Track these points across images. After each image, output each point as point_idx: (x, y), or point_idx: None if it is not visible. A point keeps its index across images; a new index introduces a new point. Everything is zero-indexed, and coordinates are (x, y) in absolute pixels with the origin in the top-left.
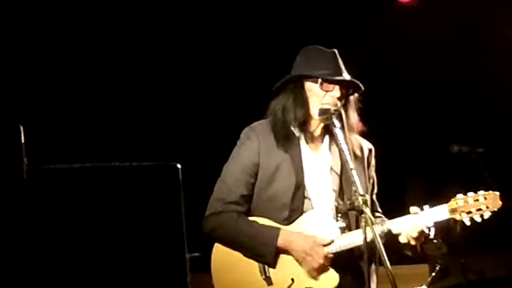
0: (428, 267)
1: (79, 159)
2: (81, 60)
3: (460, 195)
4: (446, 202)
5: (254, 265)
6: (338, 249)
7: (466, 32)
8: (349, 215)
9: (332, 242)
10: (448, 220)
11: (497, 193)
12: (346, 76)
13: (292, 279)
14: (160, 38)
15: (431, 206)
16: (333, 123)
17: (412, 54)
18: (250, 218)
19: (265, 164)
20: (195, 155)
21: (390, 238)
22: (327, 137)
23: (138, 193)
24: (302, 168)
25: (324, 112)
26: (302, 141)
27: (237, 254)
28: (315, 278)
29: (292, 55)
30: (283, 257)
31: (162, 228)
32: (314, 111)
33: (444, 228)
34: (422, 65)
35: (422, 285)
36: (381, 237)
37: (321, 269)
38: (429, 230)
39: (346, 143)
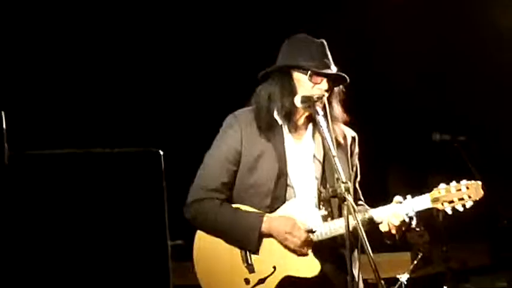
0: (410, 255)
1: (61, 145)
2: (62, 46)
3: (442, 185)
4: (429, 191)
5: (236, 252)
6: (320, 237)
7: (445, 21)
8: (332, 203)
9: (313, 230)
10: (430, 209)
11: (480, 183)
12: (333, 68)
13: (274, 267)
14: (142, 23)
15: (414, 195)
16: (316, 111)
17: (394, 44)
18: (233, 205)
19: (248, 152)
20: (177, 142)
21: (372, 226)
22: (310, 126)
23: (119, 180)
24: (285, 156)
25: (306, 100)
26: (285, 130)
27: (220, 242)
28: (297, 265)
29: (277, 43)
30: (266, 245)
31: (143, 216)
32: (297, 99)
33: (426, 216)
34: (404, 54)
35: (404, 272)
36: (363, 225)
37: (305, 248)
38: (411, 219)
39: (329, 131)
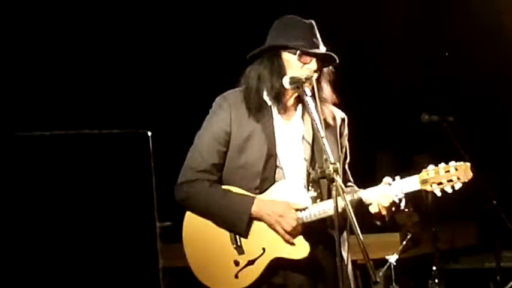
0: (399, 236)
1: (48, 126)
2: (47, 29)
3: (431, 166)
4: (417, 173)
5: (225, 234)
6: (309, 219)
7: (433, 6)
8: (321, 185)
9: (305, 208)
10: (419, 191)
11: (469, 164)
12: (322, 48)
13: (264, 249)
14: (128, 5)
15: (402, 176)
16: (304, 91)
17: (383, 27)
18: (224, 187)
19: (237, 133)
20: (165, 123)
21: (361, 207)
22: (299, 107)
23: (107, 161)
24: (274, 138)
25: (294, 81)
26: (274, 111)
27: (209, 223)
28: (287, 247)
29: (266, 24)
30: (255, 227)
31: (131, 197)
32: (285, 80)
33: (415, 197)
34: (393, 37)
35: (393, 253)
36: (352, 206)
37: (294, 233)
38: (400, 201)
39: (317, 111)
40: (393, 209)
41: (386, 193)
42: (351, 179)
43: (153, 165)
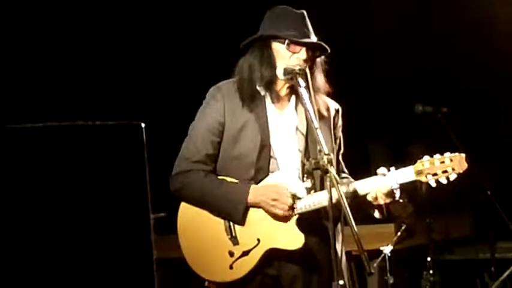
0: (393, 227)
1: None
2: (42, 19)
3: (426, 157)
4: (412, 164)
5: (220, 225)
6: (304, 210)
7: None
8: (315, 176)
9: (300, 198)
10: (414, 182)
11: (464, 155)
12: (313, 38)
13: (258, 240)
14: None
15: (397, 167)
16: (298, 82)
17: (376, 17)
18: (219, 177)
19: (231, 123)
20: (159, 114)
21: (356, 198)
22: (293, 98)
23: (101, 152)
24: (267, 128)
25: (288, 72)
26: (268, 101)
27: (204, 214)
28: (281, 238)
29: (261, 15)
30: (250, 217)
31: (125, 189)
32: (279, 71)
33: (410, 188)
34: (386, 27)
35: (387, 244)
36: (346, 197)
37: (289, 215)
38: (395, 192)
39: (311, 102)
40: (389, 200)
41: (382, 184)
42: (345, 169)
43: (147, 157)
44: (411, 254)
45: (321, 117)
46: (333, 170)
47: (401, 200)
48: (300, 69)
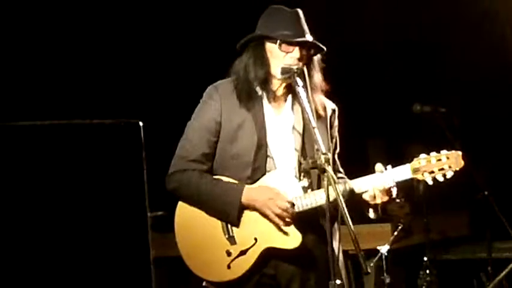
0: (390, 227)
1: (39, 116)
2: (40, 18)
3: (422, 155)
4: (409, 162)
5: (217, 224)
6: (301, 209)
7: None
8: (312, 174)
9: (297, 198)
10: (411, 180)
11: (460, 153)
12: (307, 37)
13: (256, 239)
14: None
15: (394, 166)
16: (295, 81)
17: (374, 15)
18: (215, 177)
19: (227, 122)
20: (157, 113)
21: (353, 197)
22: (289, 97)
23: (99, 151)
24: (264, 127)
25: (286, 71)
26: (265, 101)
27: (201, 213)
28: (279, 237)
29: (259, 13)
30: (247, 216)
31: (123, 187)
32: (276, 71)
33: (407, 188)
34: (383, 26)
35: (384, 244)
36: (343, 196)
37: (285, 218)
38: (392, 190)
39: (309, 102)
40: (386, 198)
41: (379, 182)
42: (341, 169)
43: (146, 155)
44: (408, 253)
45: (318, 116)
46: (330, 169)
47: (398, 200)
48: (297, 69)
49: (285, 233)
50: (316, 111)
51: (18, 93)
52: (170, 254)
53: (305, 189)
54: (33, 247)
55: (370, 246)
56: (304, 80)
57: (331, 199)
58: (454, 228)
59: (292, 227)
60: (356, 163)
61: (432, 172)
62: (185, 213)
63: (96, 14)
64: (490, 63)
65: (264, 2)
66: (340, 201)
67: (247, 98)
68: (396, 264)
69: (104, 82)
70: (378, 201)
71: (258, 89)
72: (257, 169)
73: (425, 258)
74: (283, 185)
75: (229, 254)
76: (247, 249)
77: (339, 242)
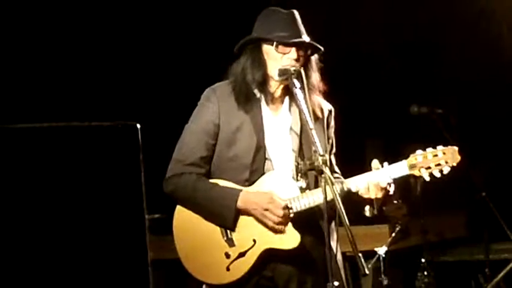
0: (388, 228)
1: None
2: (39, 20)
3: (419, 151)
4: (406, 158)
5: (216, 226)
6: (299, 209)
7: None
8: (309, 175)
9: (289, 207)
10: (408, 177)
11: (456, 148)
12: (304, 38)
13: (254, 240)
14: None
15: (391, 163)
16: (293, 83)
17: (373, 16)
18: (211, 181)
19: (226, 125)
20: (155, 115)
21: (350, 197)
22: (287, 98)
23: (96, 153)
24: (263, 129)
25: (283, 72)
26: (262, 103)
27: (199, 216)
28: (277, 238)
29: (256, 16)
30: (244, 219)
31: (120, 190)
32: (273, 72)
33: (404, 189)
34: (380, 27)
35: (382, 245)
36: (340, 197)
37: (282, 224)
38: (389, 187)
39: (306, 103)
40: (383, 195)
41: (376, 179)
42: (337, 170)
43: (144, 157)
44: (406, 255)
45: (315, 118)
46: (327, 171)
47: (395, 201)
48: (294, 70)
49: (284, 234)
50: (314, 113)
51: (16, 95)
52: (168, 256)
53: (302, 190)
54: (30, 249)
55: (368, 247)
56: (301, 81)
57: (328, 199)
58: (451, 229)
59: (291, 227)
60: (354, 163)
61: (429, 168)
62: (183, 216)
63: (95, 17)
64: (487, 63)
65: (262, 3)
66: (338, 203)
67: (245, 100)
68: (394, 266)
69: (101, 84)
70: (373, 195)
71: (255, 91)
72: (255, 171)
73: (423, 260)
74: (280, 186)
75: (228, 256)
76: (246, 251)
77: (337, 242)
